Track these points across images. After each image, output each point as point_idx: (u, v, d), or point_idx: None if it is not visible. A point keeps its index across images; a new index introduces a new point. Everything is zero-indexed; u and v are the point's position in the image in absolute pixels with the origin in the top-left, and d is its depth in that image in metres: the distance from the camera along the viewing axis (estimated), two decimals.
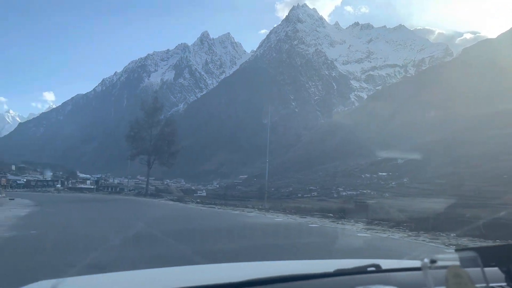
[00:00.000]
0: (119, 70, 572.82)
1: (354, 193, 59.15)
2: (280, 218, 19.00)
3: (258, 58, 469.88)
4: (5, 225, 14.35)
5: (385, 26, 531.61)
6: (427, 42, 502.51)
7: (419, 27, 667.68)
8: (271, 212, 23.18)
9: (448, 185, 55.10)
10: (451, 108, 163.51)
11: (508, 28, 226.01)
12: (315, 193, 66.22)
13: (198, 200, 38.95)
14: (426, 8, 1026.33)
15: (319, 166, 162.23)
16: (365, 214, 17.36)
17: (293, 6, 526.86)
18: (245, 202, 40.52)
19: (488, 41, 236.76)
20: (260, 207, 26.17)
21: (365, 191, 59.02)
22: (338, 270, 1.70)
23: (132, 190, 73.94)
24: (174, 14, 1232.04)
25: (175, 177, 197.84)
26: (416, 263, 1.63)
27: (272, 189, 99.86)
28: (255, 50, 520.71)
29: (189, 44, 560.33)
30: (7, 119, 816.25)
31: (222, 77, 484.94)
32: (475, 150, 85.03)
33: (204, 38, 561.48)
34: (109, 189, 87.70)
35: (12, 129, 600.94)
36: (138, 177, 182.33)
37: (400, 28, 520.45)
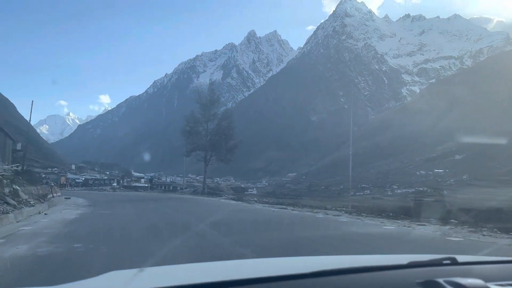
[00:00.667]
0: (170, 71, 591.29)
1: (410, 190, 56.63)
2: (388, 226, 15.14)
3: (305, 55, 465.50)
4: (46, 234, 11.22)
5: (438, 17, 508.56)
6: (485, 31, 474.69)
7: (475, 16, 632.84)
8: (364, 215, 19.46)
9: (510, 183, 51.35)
10: None
11: None
12: (368, 191, 64.09)
13: (264, 200, 35.62)
14: None
15: (370, 163, 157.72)
16: (439, 214, 16.12)
17: (341, 1, 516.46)
18: (302, 200, 39.13)
19: None
20: (344, 208, 22.98)
21: (421, 189, 56.36)
22: (412, 262, 1.67)
23: (186, 188, 73.84)
24: (221, 14, 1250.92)
25: (224, 175, 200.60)
26: (499, 258, 1.58)
27: (322, 187, 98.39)
28: (302, 47, 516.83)
29: (236, 44, 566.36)
30: (68, 122, 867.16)
31: (269, 75, 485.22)
32: None
33: (251, 37, 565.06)
34: (163, 187, 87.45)
35: (72, 130, 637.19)
36: (190, 175, 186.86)
37: (455, 18, 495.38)
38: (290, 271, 1.52)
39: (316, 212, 21.19)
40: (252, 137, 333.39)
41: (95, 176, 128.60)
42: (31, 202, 21.31)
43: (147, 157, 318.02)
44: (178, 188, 78.39)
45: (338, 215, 19.00)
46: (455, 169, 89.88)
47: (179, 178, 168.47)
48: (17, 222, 15.26)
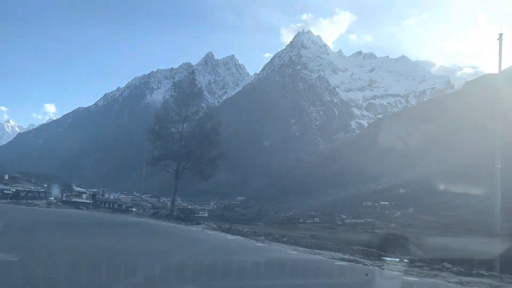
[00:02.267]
0: (122, 85, 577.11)
1: (359, 221, 57.41)
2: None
3: (261, 81, 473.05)
4: None
5: (387, 56, 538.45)
6: (428, 74, 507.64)
7: (421, 59, 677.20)
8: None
9: (455, 218, 53.48)
10: (453, 141, 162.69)
11: (509, 65, 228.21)
12: (317, 219, 64.29)
13: (262, 235, 24.87)
14: (428, 41, 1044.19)
15: (319, 191, 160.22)
16: (404, 250, 15.54)
17: (298, 32, 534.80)
18: (258, 227, 37.08)
19: (490, 75, 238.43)
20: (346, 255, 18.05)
21: (369, 220, 57.27)
22: None
23: (132, 207, 64.25)
24: (180, 33, 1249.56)
25: (170, 195, 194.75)
26: None
27: (272, 212, 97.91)
28: (258, 73, 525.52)
29: (193, 64, 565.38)
30: (7, 129, 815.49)
31: (224, 97, 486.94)
32: (477, 185, 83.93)
33: (208, 59, 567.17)
34: (108, 205, 75.36)
35: (11, 138, 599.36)
36: (135, 193, 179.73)
37: (402, 59, 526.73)
38: None
39: (315, 254, 16.65)
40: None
41: (30, 188, 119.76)
42: None
43: (90, 171, 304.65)
44: (129, 208, 68.69)
45: (348, 260, 14.34)
46: (400, 202, 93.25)
47: (123, 196, 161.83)
48: None
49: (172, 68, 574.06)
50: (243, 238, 23.05)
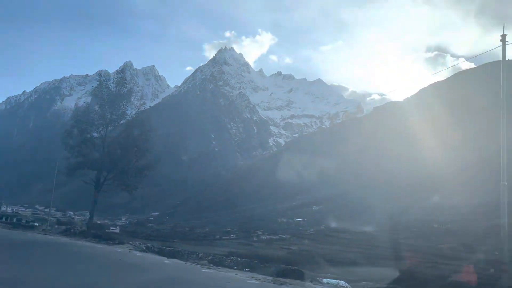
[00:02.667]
0: (29, 89, 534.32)
1: (274, 237, 58.08)
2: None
3: (182, 94, 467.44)
4: None
5: (305, 79, 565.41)
6: (341, 98, 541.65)
7: (335, 83, 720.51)
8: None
9: (365, 235, 56.42)
10: (362, 163, 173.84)
11: (413, 93, 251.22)
12: (234, 235, 63.87)
13: (204, 259, 21.80)
14: (341, 66, 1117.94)
15: (236, 207, 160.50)
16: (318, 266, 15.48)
17: (221, 49, 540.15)
18: (174, 244, 35.08)
19: (395, 103, 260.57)
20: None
21: (284, 236, 58.24)
22: None
23: (34, 222, 57.37)
24: (96, 38, 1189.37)
25: (78, 209, 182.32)
26: None
27: (187, 228, 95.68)
28: (179, 85, 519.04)
29: (111, 72, 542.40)
30: None
31: (142, 108, 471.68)
32: (385, 200, 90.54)
33: (126, 67, 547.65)
34: (6, 219, 64.92)
35: None
36: (37, 206, 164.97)
37: (319, 82, 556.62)
38: None
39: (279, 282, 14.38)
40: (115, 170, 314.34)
41: None
42: None
43: None
44: (30, 222, 61.62)
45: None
46: (313, 219, 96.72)
47: (23, 209, 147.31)
48: None
49: (86, 75, 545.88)
50: (184, 262, 19.84)
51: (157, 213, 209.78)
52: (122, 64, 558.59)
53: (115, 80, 45.99)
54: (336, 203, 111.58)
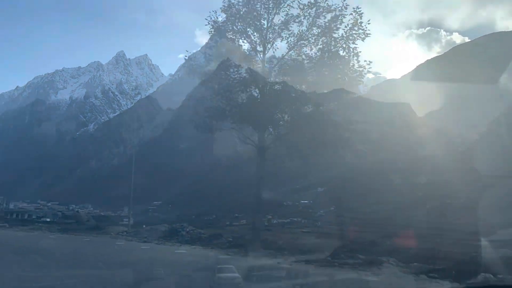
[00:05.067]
0: (22, 84, 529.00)
1: (285, 221, 57.45)
2: None
3: (177, 82, 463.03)
4: None
5: None
6: None
7: None
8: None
9: (377, 214, 55.88)
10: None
11: (409, 71, 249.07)
12: (244, 221, 63.28)
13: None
14: None
15: (238, 193, 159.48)
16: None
17: (212, 35, 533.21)
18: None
19: (392, 81, 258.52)
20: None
21: (295, 219, 57.58)
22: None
23: (45, 217, 53.07)
24: (87, 30, 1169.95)
25: (81, 202, 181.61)
26: None
27: (193, 216, 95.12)
28: (173, 74, 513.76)
29: (103, 63, 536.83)
30: None
31: (137, 98, 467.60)
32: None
33: (119, 58, 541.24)
34: (16, 216, 57.00)
35: None
36: (39, 201, 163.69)
37: None
38: None
39: None
40: (115, 161, 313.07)
41: None
42: None
43: None
44: (41, 218, 57.05)
45: None
46: (319, 200, 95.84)
47: (25, 204, 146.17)
48: None
49: (79, 67, 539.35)
50: None
51: (159, 202, 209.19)
52: (114, 55, 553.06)
53: None
54: (341, 185, 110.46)
